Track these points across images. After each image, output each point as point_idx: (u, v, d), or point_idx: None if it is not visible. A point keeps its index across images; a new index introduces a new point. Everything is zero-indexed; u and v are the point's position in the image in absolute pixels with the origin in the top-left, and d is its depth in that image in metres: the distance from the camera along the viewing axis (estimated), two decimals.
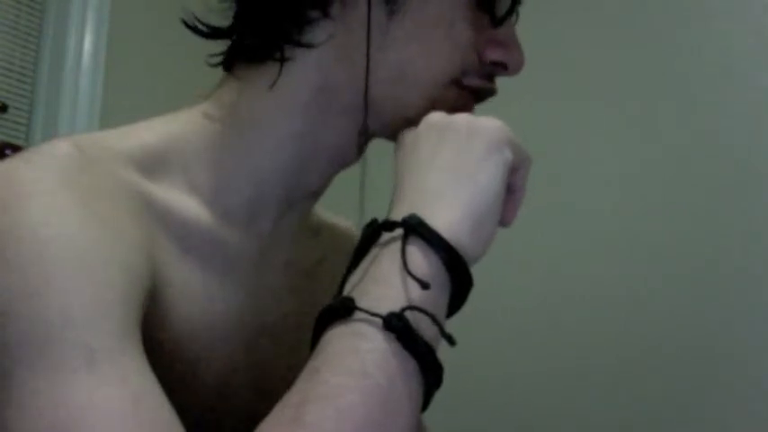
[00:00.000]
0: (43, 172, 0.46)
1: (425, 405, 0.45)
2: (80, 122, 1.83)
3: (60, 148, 0.49)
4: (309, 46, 0.55)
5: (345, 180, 0.66)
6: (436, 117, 0.53)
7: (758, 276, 1.53)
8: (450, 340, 0.44)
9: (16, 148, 1.01)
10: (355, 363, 0.41)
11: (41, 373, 0.39)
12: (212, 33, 0.59)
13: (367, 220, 0.51)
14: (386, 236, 0.48)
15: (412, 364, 0.43)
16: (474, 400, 1.69)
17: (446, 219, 0.47)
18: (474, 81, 0.58)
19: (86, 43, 1.88)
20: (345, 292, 0.46)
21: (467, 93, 0.58)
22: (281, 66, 0.55)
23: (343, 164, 0.61)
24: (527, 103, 1.54)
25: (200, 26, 0.59)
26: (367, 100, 0.56)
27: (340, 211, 0.72)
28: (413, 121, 0.56)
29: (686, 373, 1.56)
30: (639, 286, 1.62)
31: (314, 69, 0.56)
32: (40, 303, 0.41)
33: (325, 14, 0.55)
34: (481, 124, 0.51)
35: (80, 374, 0.39)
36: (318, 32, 0.55)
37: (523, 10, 0.61)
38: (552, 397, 1.67)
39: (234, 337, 0.57)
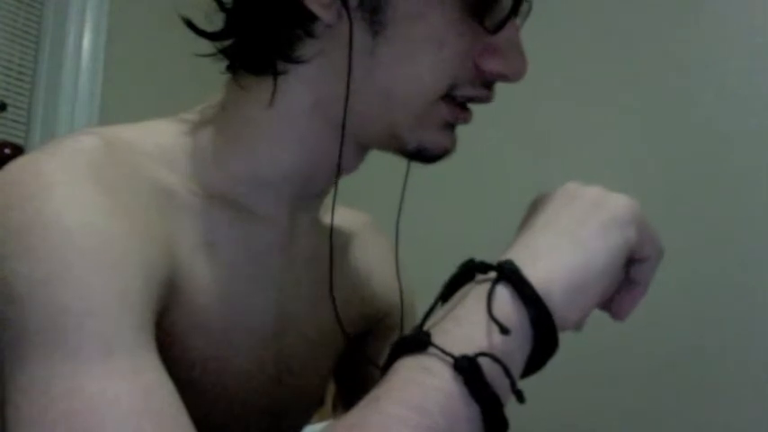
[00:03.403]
0: (68, 163, 0.47)
1: None
2: (79, 121, 1.83)
3: (85, 140, 0.50)
4: (298, 61, 0.55)
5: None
6: (571, 186, 0.52)
7: (758, 276, 1.53)
8: (520, 397, 0.42)
9: (15, 147, 1.01)
10: (416, 397, 0.40)
11: (57, 361, 0.39)
12: (215, 35, 0.58)
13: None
14: (478, 277, 0.46)
15: (475, 412, 0.40)
16: None
17: (543, 273, 0.45)
18: (467, 92, 0.56)
19: (85, 42, 1.88)
20: (425, 327, 0.44)
21: (455, 105, 0.56)
22: (275, 80, 0.56)
23: (344, 172, 0.60)
24: (527, 103, 1.53)
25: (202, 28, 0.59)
26: (345, 122, 0.55)
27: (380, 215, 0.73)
28: (400, 137, 0.55)
29: (686, 372, 1.56)
30: None
31: (307, 84, 0.56)
32: (61, 291, 0.41)
33: (308, 34, 0.55)
34: (610, 198, 0.50)
35: (95, 364, 0.39)
36: (307, 48, 0.55)
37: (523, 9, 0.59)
38: (550, 396, 1.67)
39: (258, 331, 0.57)
